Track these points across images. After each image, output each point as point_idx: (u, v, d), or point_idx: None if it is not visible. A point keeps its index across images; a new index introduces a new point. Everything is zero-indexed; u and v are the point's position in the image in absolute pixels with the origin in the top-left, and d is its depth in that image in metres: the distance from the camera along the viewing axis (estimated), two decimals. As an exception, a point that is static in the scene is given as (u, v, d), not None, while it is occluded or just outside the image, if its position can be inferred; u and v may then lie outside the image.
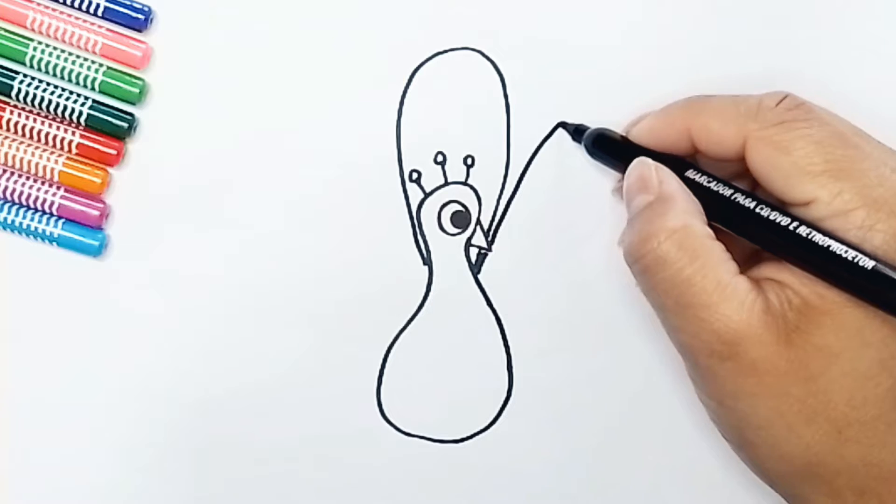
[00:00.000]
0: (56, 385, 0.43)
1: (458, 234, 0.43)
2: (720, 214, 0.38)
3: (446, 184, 0.43)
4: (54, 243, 0.42)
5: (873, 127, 0.43)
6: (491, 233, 0.43)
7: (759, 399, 0.36)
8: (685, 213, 0.37)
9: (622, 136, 0.41)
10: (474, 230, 0.43)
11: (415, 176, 0.43)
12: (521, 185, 0.43)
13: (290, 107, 0.43)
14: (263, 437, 0.43)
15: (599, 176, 0.43)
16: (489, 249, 0.43)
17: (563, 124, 0.43)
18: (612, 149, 0.41)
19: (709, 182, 0.38)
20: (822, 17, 0.43)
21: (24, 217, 0.42)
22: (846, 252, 0.35)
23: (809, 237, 0.36)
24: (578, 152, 0.43)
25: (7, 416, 0.43)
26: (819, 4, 0.43)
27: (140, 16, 0.42)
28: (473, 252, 0.43)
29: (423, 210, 0.43)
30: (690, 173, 0.39)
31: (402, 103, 0.43)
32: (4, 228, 0.42)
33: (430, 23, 0.43)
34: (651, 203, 0.38)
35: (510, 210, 0.43)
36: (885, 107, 0.43)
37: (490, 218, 0.43)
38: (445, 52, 0.43)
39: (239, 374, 0.43)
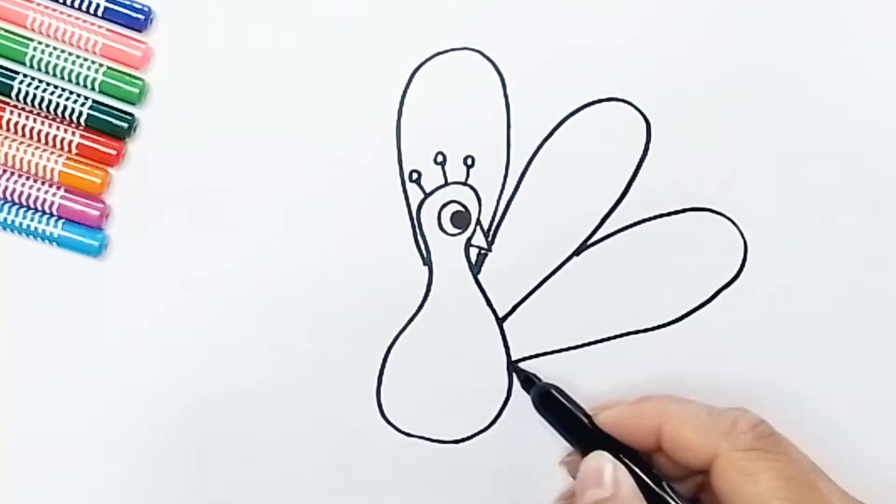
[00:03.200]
0: (56, 385, 0.43)
1: (458, 234, 0.43)
2: None
3: (446, 184, 0.43)
4: (54, 243, 0.42)
5: (873, 127, 0.43)
6: (491, 233, 0.43)
7: None
8: None
9: (572, 403, 0.41)
10: (474, 230, 0.43)
11: (415, 176, 0.43)
12: (521, 185, 0.43)
13: (290, 107, 0.43)
14: (263, 438, 0.43)
15: (600, 181, 0.43)
16: (489, 249, 0.43)
17: (514, 367, 0.43)
18: (561, 414, 0.41)
19: (660, 490, 0.39)
20: (821, 16, 0.43)
21: (24, 217, 0.42)
22: None
23: None
24: (577, 151, 0.43)
25: (7, 416, 0.43)
26: (819, 4, 0.43)
27: (140, 16, 0.42)
28: (473, 252, 0.43)
29: (423, 210, 0.43)
30: (642, 473, 0.39)
31: (402, 103, 0.43)
32: (4, 228, 0.42)
33: (430, 23, 0.43)
34: (606, 500, 0.38)
35: (510, 210, 0.43)
36: (885, 106, 0.43)
37: (490, 218, 0.43)
38: (445, 52, 0.43)
39: (239, 374, 0.43)
